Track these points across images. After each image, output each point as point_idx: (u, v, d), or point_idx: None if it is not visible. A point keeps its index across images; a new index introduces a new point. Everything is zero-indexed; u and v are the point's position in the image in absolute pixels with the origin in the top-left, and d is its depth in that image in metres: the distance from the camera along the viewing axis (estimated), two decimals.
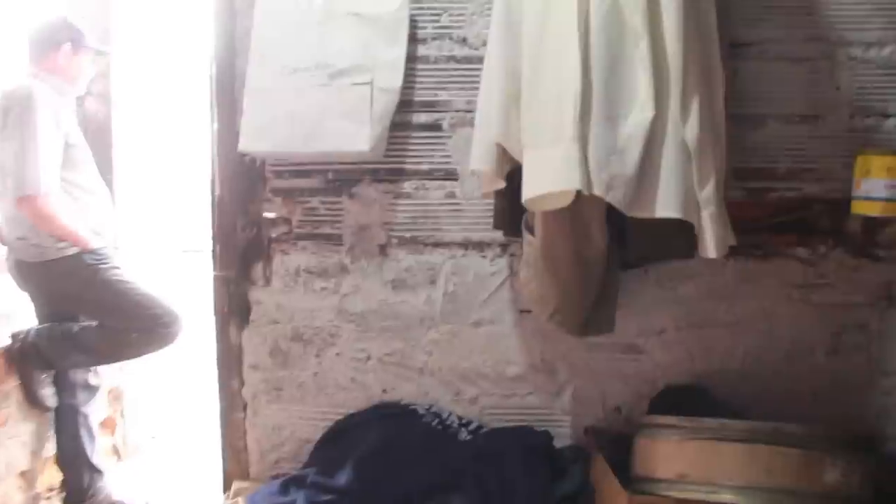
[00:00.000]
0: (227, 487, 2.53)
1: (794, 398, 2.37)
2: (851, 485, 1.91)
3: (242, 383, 2.54)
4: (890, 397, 2.44)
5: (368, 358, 2.51)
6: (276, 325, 2.52)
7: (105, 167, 3.31)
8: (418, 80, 2.43)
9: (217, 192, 2.51)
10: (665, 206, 1.93)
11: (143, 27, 3.57)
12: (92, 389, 3.04)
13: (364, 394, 2.52)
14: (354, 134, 2.30)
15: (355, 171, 2.46)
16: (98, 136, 3.34)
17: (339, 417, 2.49)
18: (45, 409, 2.91)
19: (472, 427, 2.42)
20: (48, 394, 2.89)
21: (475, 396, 2.50)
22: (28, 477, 2.91)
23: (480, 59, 2.23)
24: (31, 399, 2.86)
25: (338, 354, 2.52)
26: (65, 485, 2.96)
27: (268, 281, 2.52)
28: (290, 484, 2.28)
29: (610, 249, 2.14)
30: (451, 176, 2.45)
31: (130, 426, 3.52)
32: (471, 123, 2.27)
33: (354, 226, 2.48)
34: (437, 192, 2.46)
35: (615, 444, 2.22)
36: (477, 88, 2.23)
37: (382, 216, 2.48)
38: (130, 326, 2.85)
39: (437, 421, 2.41)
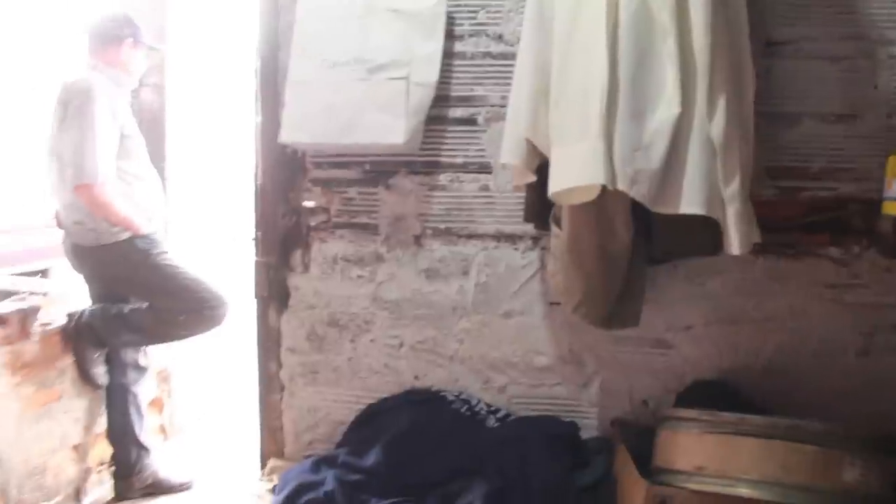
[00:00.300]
0: (263, 465, 2.63)
1: (824, 398, 2.37)
2: (871, 484, 1.91)
3: (280, 366, 2.64)
4: None
5: (401, 345, 2.58)
6: (313, 311, 2.61)
7: (158, 156, 3.45)
8: (455, 75, 2.49)
9: (259, 182, 2.61)
10: (689, 203, 1.95)
11: (196, 23, 3.69)
12: (141, 370, 3.16)
13: (396, 379, 2.59)
14: (390, 127, 2.37)
15: (392, 163, 2.53)
16: (152, 126, 3.47)
17: (372, 401, 2.56)
18: (97, 386, 3.05)
19: (500, 415, 2.48)
20: (100, 372, 3.03)
21: (504, 385, 2.55)
22: (80, 450, 3.05)
23: (515, 56, 2.27)
24: (85, 376, 3.00)
25: (372, 340, 2.60)
26: (114, 460, 3.09)
27: (306, 267, 2.61)
28: (321, 463, 2.37)
29: (635, 244, 2.17)
30: (485, 169, 2.50)
31: (177, 406, 3.64)
32: (505, 118, 2.31)
33: (390, 216, 2.55)
34: (471, 184, 2.52)
35: (641, 437, 2.25)
36: (511, 84, 2.27)
37: (418, 207, 2.54)
38: (178, 308, 2.97)
39: (465, 407, 2.47)
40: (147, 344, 3.14)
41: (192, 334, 3.14)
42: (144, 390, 3.20)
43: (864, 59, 2.35)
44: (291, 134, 2.44)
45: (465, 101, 2.49)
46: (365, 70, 2.40)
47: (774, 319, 2.42)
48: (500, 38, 2.46)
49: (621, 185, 1.93)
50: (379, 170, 2.55)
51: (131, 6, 3.35)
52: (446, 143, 2.51)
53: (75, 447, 3.01)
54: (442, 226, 2.54)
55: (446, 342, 2.56)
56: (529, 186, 2.30)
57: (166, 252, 3.02)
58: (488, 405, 2.50)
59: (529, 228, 2.46)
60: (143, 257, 2.94)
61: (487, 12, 2.47)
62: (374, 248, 2.57)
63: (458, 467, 2.27)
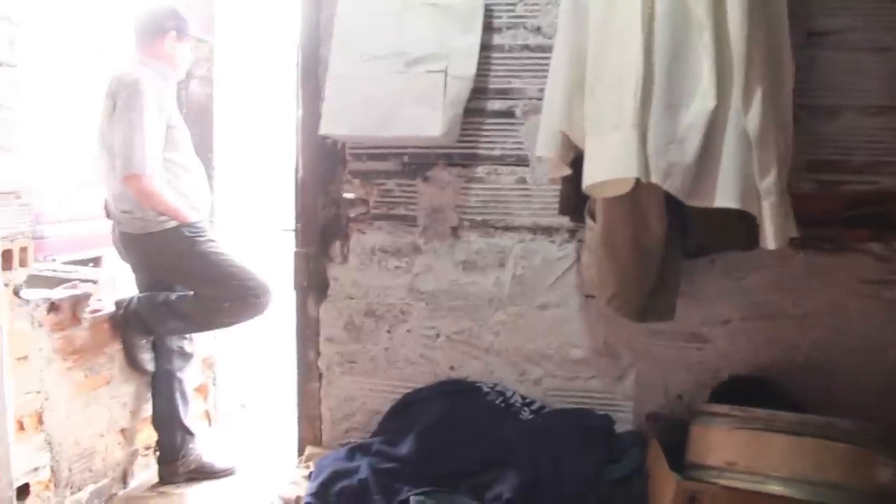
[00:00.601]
0: (301, 452, 2.68)
1: (863, 395, 2.32)
2: None
3: (318, 355, 2.68)
4: None
5: (438, 335, 2.60)
6: (351, 301, 2.64)
7: (206, 147, 3.53)
8: (493, 68, 2.49)
9: (300, 174, 2.64)
10: (724, 196, 1.94)
11: (245, 15, 3.76)
12: (187, 356, 3.25)
13: (432, 370, 2.61)
14: (427, 119, 2.38)
15: (430, 155, 2.55)
16: (200, 117, 3.56)
17: (408, 391, 2.59)
18: (144, 372, 3.14)
19: (534, 407, 2.48)
20: (147, 358, 3.12)
21: (539, 377, 2.55)
22: (127, 434, 3.14)
23: (553, 48, 2.26)
24: (132, 362, 3.09)
25: (408, 331, 2.62)
26: (159, 444, 3.19)
27: (345, 258, 2.64)
28: (356, 451, 2.40)
29: (669, 237, 2.15)
30: (522, 162, 2.51)
31: (222, 393, 3.73)
32: (542, 111, 2.31)
33: (428, 208, 2.57)
34: (508, 177, 2.52)
35: (675, 432, 2.23)
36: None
37: (455, 199, 2.56)
38: (223, 296, 3.05)
39: (500, 399, 2.48)
40: (192, 331, 3.23)
41: (236, 322, 3.22)
42: (190, 377, 3.29)
43: None
44: (331, 126, 2.47)
45: (503, 93, 2.50)
46: (403, 63, 2.42)
47: (813, 315, 2.38)
48: (538, 30, 2.46)
49: (655, 179, 1.93)
50: (417, 162, 2.57)
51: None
52: (484, 136, 2.52)
53: (122, 431, 3.11)
54: (479, 218, 2.55)
55: (482, 334, 2.57)
56: (565, 179, 2.30)
57: (212, 241, 3.10)
58: (523, 397, 2.51)
59: (566, 221, 2.46)
60: (188, 245, 3.02)
61: (525, 5, 2.46)
62: (411, 240, 2.59)
63: (490, 458, 2.28)
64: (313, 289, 2.66)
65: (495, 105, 2.51)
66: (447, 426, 2.38)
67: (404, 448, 2.34)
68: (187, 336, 3.24)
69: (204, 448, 3.24)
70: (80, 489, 2.85)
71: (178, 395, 3.17)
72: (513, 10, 2.47)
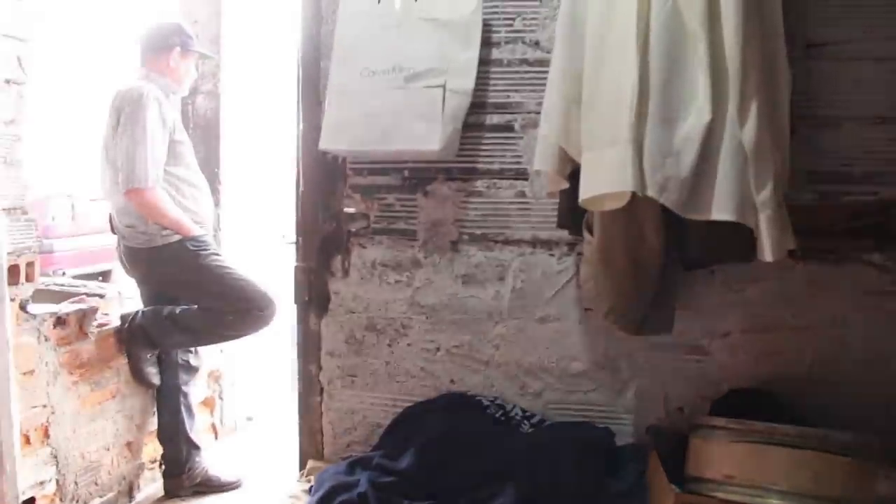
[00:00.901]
0: (302, 466, 2.68)
1: (866, 408, 2.28)
2: None
3: (320, 368, 2.69)
4: None
5: (438, 349, 2.61)
6: (352, 315, 2.65)
7: (213, 161, 3.55)
8: (491, 82, 2.51)
9: (301, 188, 2.66)
10: (720, 209, 1.95)
11: (251, 31, 3.79)
12: (192, 370, 3.26)
13: (433, 383, 2.61)
14: (426, 134, 2.39)
15: (430, 169, 2.56)
16: (206, 132, 3.59)
17: (409, 405, 2.58)
18: (150, 386, 3.15)
19: (534, 420, 2.48)
20: (153, 372, 3.13)
21: (539, 391, 2.55)
22: (133, 448, 3.16)
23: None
24: (138, 376, 3.11)
25: (409, 345, 2.62)
26: (164, 458, 3.20)
27: (346, 272, 2.65)
28: (356, 464, 2.40)
29: (667, 250, 2.15)
30: (521, 175, 2.51)
31: (228, 406, 3.74)
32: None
33: (428, 222, 2.58)
34: (507, 191, 2.53)
35: (676, 444, 2.23)
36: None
37: (455, 213, 2.56)
38: (227, 309, 3.06)
39: (500, 412, 2.48)
40: (197, 344, 3.24)
41: (241, 335, 3.23)
42: (195, 390, 3.30)
43: None
44: (331, 141, 2.48)
45: (502, 107, 2.51)
46: (402, 78, 2.43)
47: (815, 327, 2.37)
48: (536, 44, 2.47)
49: (651, 192, 1.94)
50: (417, 176, 2.58)
51: (188, 15, 3.46)
52: (483, 150, 2.53)
53: (128, 445, 3.12)
54: (478, 232, 2.55)
55: (482, 347, 2.57)
56: (563, 193, 2.31)
57: (216, 254, 3.11)
58: (523, 410, 2.50)
59: (565, 234, 2.46)
60: (192, 259, 3.04)
61: (524, 19, 2.47)
62: (411, 254, 2.60)
63: (490, 472, 2.28)
64: (314, 303, 2.67)
65: (494, 119, 2.52)
66: (447, 440, 2.37)
67: (404, 462, 2.34)
68: (192, 349, 3.25)
69: (210, 461, 3.25)
70: (85, 503, 2.86)
71: (183, 409, 3.18)
72: (511, 25, 2.48)
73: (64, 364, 2.79)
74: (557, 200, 2.39)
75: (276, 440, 3.60)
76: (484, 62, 2.47)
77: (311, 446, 2.70)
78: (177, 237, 3.01)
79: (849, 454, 1.89)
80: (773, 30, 2.03)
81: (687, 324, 2.38)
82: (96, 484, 2.93)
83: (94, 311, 2.96)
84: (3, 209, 2.51)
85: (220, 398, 3.69)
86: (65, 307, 2.86)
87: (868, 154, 2.32)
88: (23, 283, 2.62)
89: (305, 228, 2.67)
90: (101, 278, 5.82)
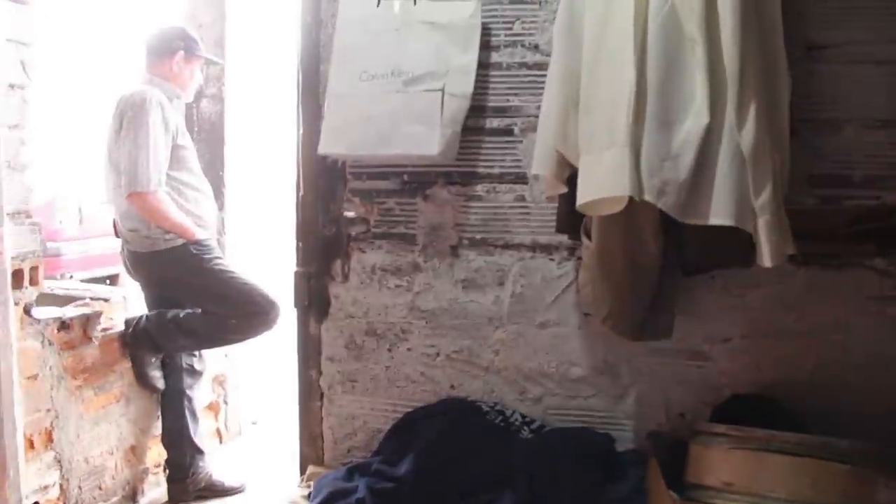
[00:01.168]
0: (303, 472, 2.68)
1: (869, 414, 2.27)
2: None
3: (320, 373, 2.68)
4: None
5: (438, 354, 2.60)
6: (352, 320, 2.65)
7: (217, 165, 3.56)
8: (491, 86, 2.50)
9: (301, 192, 2.66)
10: (718, 213, 1.93)
11: (255, 35, 3.80)
12: (197, 374, 3.26)
13: (433, 388, 2.60)
14: (425, 138, 2.39)
15: (429, 173, 2.56)
16: (211, 136, 3.59)
17: (409, 410, 2.58)
18: (154, 390, 3.16)
19: (534, 426, 2.47)
20: (157, 376, 3.13)
21: (539, 396, 2.54)
22: (137, 452, 3.16)
23: None
24: (142, 380, 3.11)
25: (409, 350, 2.62)
26: (168, 462, 3.19)
27: (346, 277, 2.64)
28: (354, 470, 2.40)
29: (666, 255, 2.14)
30: (521, 180, 2.50)
31: (233, 411, 3.74)
32: None
33: (427, 226, 2.58)
34: (507, 195, 2.52)
35: (677, 450, 2.21)
36: None
37: (454, 218, 2.56)
38: (231, 313, 3.06)
39: (500, 418, 2.47)
40: (201, 348, 3.24)
41: (245, 338, 3.23)
42: (199, 394, 3.30)
43: None
44: (330, 145, 2.48)
45: (502, 111, 2.50)
46: (401, 82, 2.42)
47: (817, 333, 2.34)
48: (535, 48, 2.46)
49: (648, 196, 1.93)
50: (417, 180, 2.57)
51: (193, 19, 3.47)
52: (483, 154, 2.52)
53: (132, 449, 3.13)
54: (478, 236, 2.54)
55: (482, 352, 2.56)
56: (561, 197, 2.30)
57: (219, 258, 3.12)
58: (523, 416, 2.49)
59: (565, 239, 2.45)
60: (196, 263, 3.04)
61: (523, 23, 2.47)
62: (411, 258, 2.59)
63: (489, 478, 2.28)
64: (314, 308, 2.66)
65: (494, 123, 2.51)
66: (446, 446, 2.37)
67: (403, 468, 2.34)
68: (196, 353, 3.25)
69: (214, 466, 3.25)
70: None
71: (187, 413, 3.18)
72: (510, 28, 2.48)
73: (68, 368, 2.79)
74: (557, 204, 2.38)
75: (280, 444, 3.59)
76: (483, 66, 2.46)
77: (311, 451, 2.70)
78: (180, 241, 3.02)
79: (849, 462, 1.88)
80: (773, 32, 2.01)
81: (687, 329, 2.36)
82: (100, 488, 2.93)
83: (98, 315, 2.96)
84: (8, 213, 2.52)
85: (225, 402, 3.69)
86: (69, 311, 2.87)
87: (869, 158, 2.30)
88: (27, 288, 2.62)
89: (305, 232, 2.66)
90: (108, 282, 5.84)
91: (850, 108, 2.29)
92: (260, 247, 3.93)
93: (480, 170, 2.53)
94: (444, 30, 2.43)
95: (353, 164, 2.61)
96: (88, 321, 2.91)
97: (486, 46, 2.46)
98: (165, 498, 3.18)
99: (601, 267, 2.18)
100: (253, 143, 3.87)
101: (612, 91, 1.99)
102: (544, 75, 2.31)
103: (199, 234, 3.05)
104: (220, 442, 3.65)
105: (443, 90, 2.40)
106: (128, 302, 3.26)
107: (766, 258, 1.91)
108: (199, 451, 3.20)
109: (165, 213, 2.97)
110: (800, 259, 2.20)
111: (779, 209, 1.93)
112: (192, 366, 3.23)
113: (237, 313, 3.07)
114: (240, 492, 3.25)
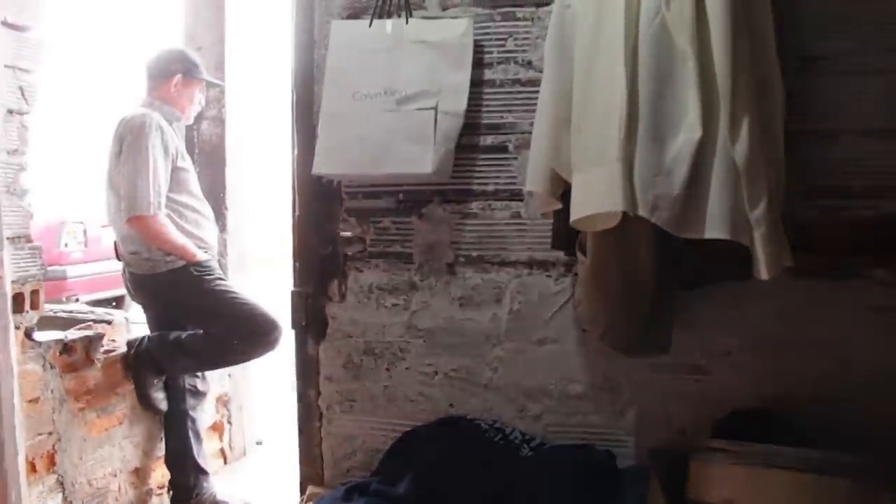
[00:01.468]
0: (303, 491, 2.67)
1: (872, 428, 2.20)
2: None
3: (318, 393, 2.67)
4: None
5: (436, 373, 2.58)
6: (349, 339, 2.63)
7: (218, 185, 3.57)
8: (485, 103, 2.49)
9: (297, 213, 2.65)
10: (713, 227, 1.91)
11: (254, 56, 3.81)
12: (200, 395, 3.27)
13: (431, 407, 2.58)
14: (419, 156, 2.38)
15: (424, 192, 2.54)
16: (212, 157, 3.61)
17: (407, 429, 2.55)
18: (157, 411, 3.16)
19: (534, 443, 2.44)
20: (160, 398, 3.14)
21: (539, 413, 2.51)
22: (140, 474, 3.17)
23: None
24: (145, 402, 3.12)
25: (407, 369, 2.60)
26: (172, 484, 3.20)
27: (343, 297, 2.63)
28: (353, 490, 2.38)
29: (662, 269, 2.12)
30: (516, 196, 2.48)
31: (237, 431, 3.74)
32: None
33: (423, 245, 2.56)
34: (502, 212, 2.50)
35: (679, 467, 2.19)
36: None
37: (450, 235, 2.54)
38: (233, 334, 3.07)
39: (499, 436, 2.44)
40: (203, 369, 3.26)
41: (247, 359, 3.24)
42: (203, 415, 3.30)
43: None
44: (324, 165, 2.47)
45: (496, 128, 2.49)
46: (394, 101, 2.42)
47: (818, 345, 2.30)
48: (528, 64, 2.45)
49: (642, 211, 1.91)
50: (412, 199, 2.56)
51: (192, 41, 3.49)
52: (477, 171, 2.51)
53: (136, 471, 3.13)
54: (474, 254, 2.53)
55: (480, 370, 2.54)
56: (556, 213, 2.28)
57: (221, 279, 3.13)
58: (523, 434, 2.46)
59: (562, 255, 2.43)
60: (197, 284, 3.05)
61: (515, 39, 2.46)
62: (408, 277, 2.58)
63: (488, 497, 2.25)
64: (312, 327, 2.65)
65: (488, 140, 2.49)
66: (445, 465, 2.35)
67: (401, 488, 2.32)
68: (199, 374, 3.26)
69: (218, 487, 3.25)
70: None
71: (191, 434, 3.19)
72: (503, 45, 2.47)
73: (70, 391, 2.80)
74: (552, 221, 2.36)
75: (284, 464, 3.59)
76: (476, 83, 2.45)
77: (311, 472, 2.68)
78: (181, 263, 3.03)
79: (851, 477, 1.85)
80: (765, 44, 2.00)
81: (686, 343, 2.33)
82: None
83: (100, 337, 2.98)
84: (8, 238, 2.54)
85: (229, 423, 3.70)
86: (71, 334, 2.88)
87: (867, 168, 2.26)
88: (28, 312, 2.64)
89: (302, 252, 2.66)
90: (114, 304, 5.87)
91: (847, 118, 2.26)
92: (264, 267, 3.93)
93: (475, 187, 2.51)
94: (437, 48, 2.42)
95: (349, 184, 2.60)
96: (91, 344, 2.92)
97: (478, 64, 2.45)
98: None
99: (596, 283, 2.16)
100: (255, 165, 3.88)
101: (604, 106, 1.98)
102: (538, 91, 2.29)
103: (200, 256, 3.07)
104: (225, 462, 3.65)
105: (436, 108, 2.39)
106: (130, 324, 3.27)
107: (762, 271, 1.89)
108: (203, 472, 3.20)
109: (166, 236, 2.98)
110: (799, 271, 2.16)
111: (775, 221, 1.91)
112: (195, 387, 3.24)
113: (239, 334, 3.07)
114: None
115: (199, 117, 3.50)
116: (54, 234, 5.78)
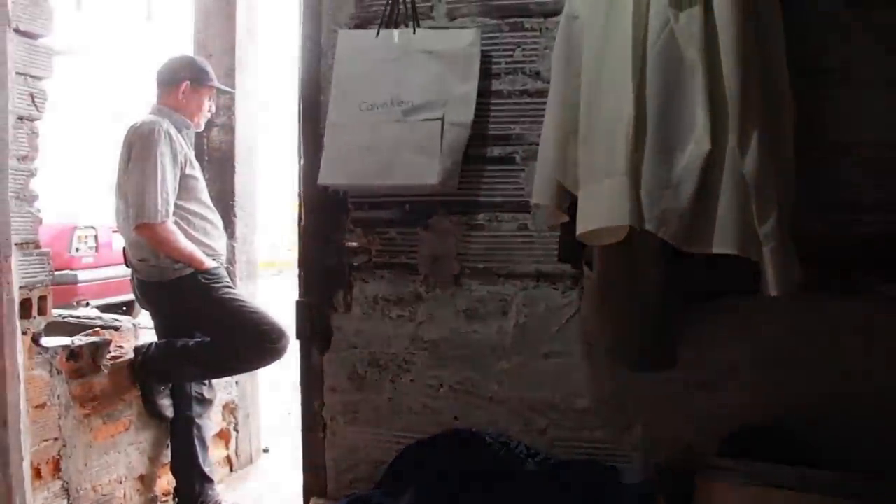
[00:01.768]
0: (306, 503, 2.65)
1: (882, 446, 2.18)
2: None
3: (323, 404, 2.65)
4: None
5: (441, 385, 2.55)
6: (354, 350, 2.61)
7: (227, 192, 3.57)
8: (492, 114, 2.46)
9: (303, 223, 2.64)
10: (722, 242, 1.89)
11: (265, 63, 3.81)
12: (206, 402, 3.27)
13: (436, 420, 2.55)
14: (425, 167, 2.36)
15: (430, 203, 2.52)
16: (222, 164, 3.61)
17: (412, 442, 2.53)
18: (163, 418, 3.16)
19: (539, 458, 2.41)
20: (166, 405, 3.14)
21: (544, 427, 2.48)
22: (146, 481, 3.16)
23: None
24: (151, 409, 3.12)
25: (412, 381, 2.57)
26: (178, 491, 3.20)
27: (348, 308, 2.61)
28: (357, 503, 2.36)
29: (668, 285, 2.09)
30: (523, 208, 2.46)
31: (243, 438, 3.73)
32: None
33: (429, 256, 2.54)
34: (509, 224, 2.48)
35: (684, 484, 2.16)
36: None
37: (456, 247, 2.52)
38: (240, 342, 3.07)
39: (504, 450, 2.41)
40: (210, 377, 3.25)
41: (254, 367, 3.24)
42: (209, 423, 3.29)
43: None
44: (330, 176, 2.46)
45: (503, 139, 2.47)
46: (401, 111, 2.40)
47: (826, 361, 2.26)
48: (536, 75, 2.43)
49: (648, 226, 1.90)
50: (418, 210, 2.54)
51: (202, 48, 3.49)
52: (484, 183, 2.48)
53: (141, 478, 3.13)
54: (481, 265, 2.51)
55: (485, 383, 2.52)
56: (563, 226, 2.26)
57: (229, 287, 3.13)
58: (528, 448, 2.44)
59: (569, 268, 2.40)
60: (205, 292, 3.05)
61: (524, 50, 2.44)
62: (413, 289, 2.55)
63: None
64: (317, 338, 2.63)
65: (495, 151, 2.47)
66: (448, 478, 2.32)
67: (405, 501, 2.30)
68: (206, 382, 3.26)
69: (223, 495, 3.24)
70: None
71: (196, 442, 3.19)
72: (511, 56, 2.45)
73: (76, 397, 2.80)
74: (559, 233, 2.34)
75: (290, 472, 3.58)
76: (483, 94, 2.43)
77: (314, 483, 2.66)
78: (189, 270, 3.03)
79: (855, 498, 1.82)
80: (775, 56, 1.97)
81: (693, 358, 2.29)
82: None
83: (108, 343, 2.98)
84: (16, 244, 2.54)
85: (235, 430, 3.69)
86: (78, 340, 2.89)
87: (880, 182, 2.22)
88: (35, 317, 2.65)
89: (307, 263, 2.64)
90: (124, 309, 5.90)
91: (858, 131, 2.22)
92: (272, 275, 3.93)
93: (482, 199, 2.49)
94: (444, 59, 2.41)
95: (355, 194, 2.58)
96: (98, 350, 2.92)
97: (486, 74, 2.43)
98: None
99: (603, 297, 2.14)
100: (264, 172, 3.88)
101: (611, 119, 1.96)
102: (546, 102, 2.27)
103: (209, 263, 3.06)
104: (231, 470, 3.64)
105: (443, 119, 2.37)
106: (139, 329, 3.28)
107: (772, 287, 1.87)
108: (209, 480, 3.20)
109: (174, 244, 2.98)
110: (809, 286, 2.13)
111: (785, 236, 1.88)
112: (201, 394, 3.24)
113: (246, 342, 3.07)
114: None
115: (209, 124, 3.50)
116: (65, 239, 5.82)
